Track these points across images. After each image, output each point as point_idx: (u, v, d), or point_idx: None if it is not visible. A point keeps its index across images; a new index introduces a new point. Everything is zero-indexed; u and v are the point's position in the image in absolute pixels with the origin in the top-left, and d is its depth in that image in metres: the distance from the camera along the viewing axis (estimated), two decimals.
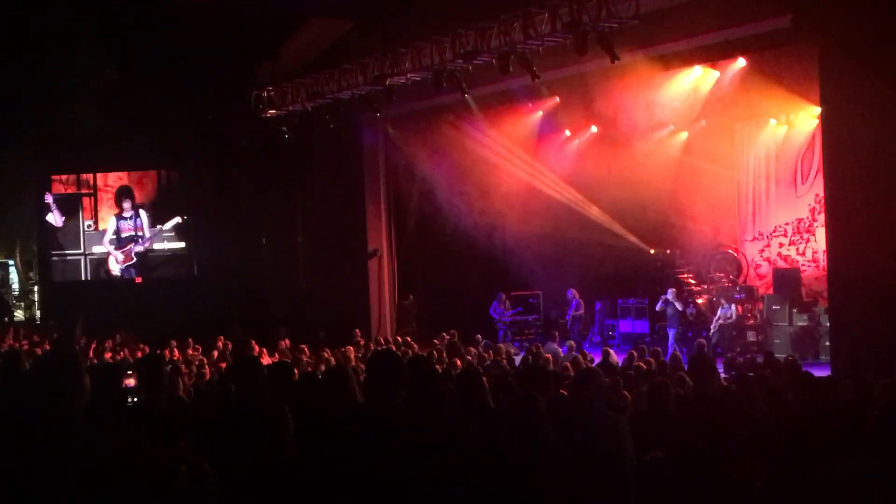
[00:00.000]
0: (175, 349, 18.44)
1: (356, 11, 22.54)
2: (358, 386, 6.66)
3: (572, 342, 18.66)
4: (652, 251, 24.19)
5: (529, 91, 21.71)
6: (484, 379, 7.43)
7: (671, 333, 21.23)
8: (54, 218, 27.50)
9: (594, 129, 24.13)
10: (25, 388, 4.61)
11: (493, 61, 17.91)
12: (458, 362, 15.13)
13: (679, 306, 21.25)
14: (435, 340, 19.62)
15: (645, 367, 13.76)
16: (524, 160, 24.68)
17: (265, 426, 6.08)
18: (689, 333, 21.69)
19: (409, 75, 19.67)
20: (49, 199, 27.48)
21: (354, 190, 25.55)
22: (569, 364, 14.00)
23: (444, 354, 16.98)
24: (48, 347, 19.34)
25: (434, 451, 5.32)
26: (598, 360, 15.95)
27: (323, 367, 14.69)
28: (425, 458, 5.24)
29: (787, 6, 14.76)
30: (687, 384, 10.32)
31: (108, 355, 18.53)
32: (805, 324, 19.92)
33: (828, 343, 17.72)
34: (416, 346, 18.86)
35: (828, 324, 17.78)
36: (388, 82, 19.93)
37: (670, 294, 21.34)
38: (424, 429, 5.45)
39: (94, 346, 20.14)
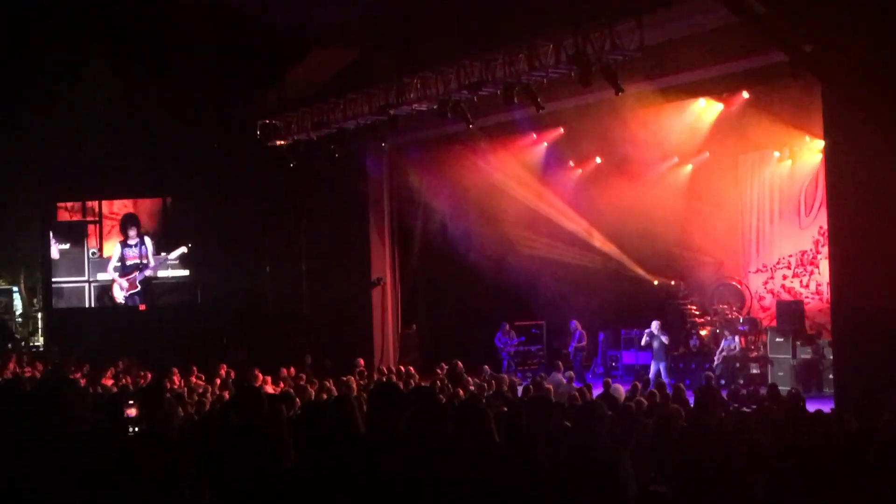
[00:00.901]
0: (177, 377, 18.41)
1: (362, 41, 22.66)
2: (360, 415, 6.65)
3: (571, 373, 18.61)
4: (655, 282, 24.17)
5: (534, 122, 21.80)
6: (485, 410, 7.42)
7: (660, 367, 21.18)
8: (55, 251, 27.59)
9: (598, 160, 24.19)
10: (25, 412, 4.62)
11: (498, 92, 18.00)
12: (461, 392, 15.10)
13: (665, 339, 21.24)
14: (437, 370, 19.58)
15: (648, 399, 13.73)
16: (528, 190, 24.72)
17: (265, 456, 6.08)
18: (692, 365, 21.67)
19: (414, 105, 19.75)
20: (51, 240, 27.56)
21: (359, 219, 25.59)
22: (571, 395, 13.97)
23: (447, 384, 16.95)
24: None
25: (434, 481, 5.31)
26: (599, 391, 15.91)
27: (325, 396, 14.67)
28: (426, 487, 5.24)
29: (787, 45, 14.81)
30: (689, 416, 10.29)
31: (109, 382, 18.47)
32: (809, 356, 19.86)
33: (831, 376, 17.67)
34: (417, 375, 18.81)
35: (831, 357, 17.74)
36: (393, 112, 20.01)
37: (654, 327, 21.32)
38: (425, 459, 5.45)
39: (85, 371, 20.15)
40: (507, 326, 24.67)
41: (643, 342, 21.99)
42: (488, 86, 18.05)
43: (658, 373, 20.88)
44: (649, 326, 21.45)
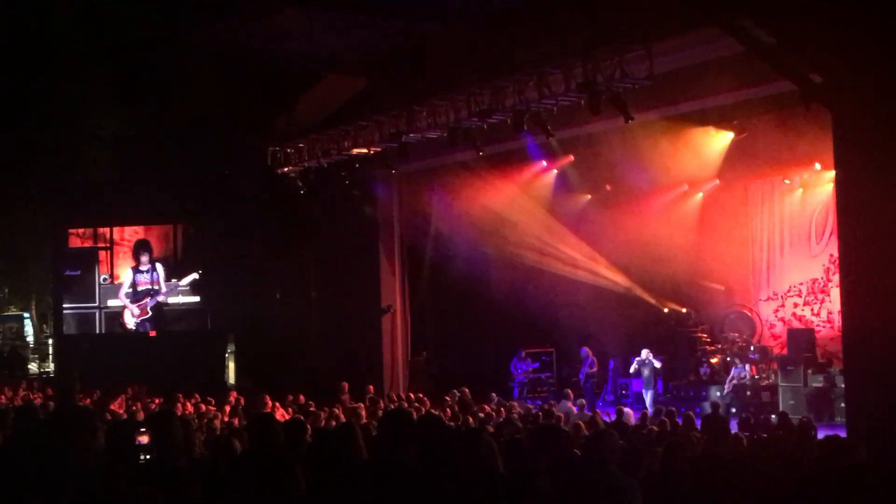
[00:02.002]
0: (186, 404, 18.40)
1: (371, 69, 22.76)
2: (365, 443, 6.63)
3: (583, 401, 18.59)
4: (666, 309, 24.11)
5: (544, 149, 21.85)
6: (490, 440, 7.38)
7: (649, 395, 21.24)
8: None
9: (608, 187, 24.19)
10: (40, 441, 4.63)
11: (508, 120, 18.05)
12: (471, 420, 15.07)
13: (657, 363, 21.29)
14: (446, 397, 19.56)
15: (658, 427, 13.68)
16: (538, 218, 24.74)
17: (276, 484, 6.07)
18: (702, 393, 21.62)
19: (424, 133, 19.82)
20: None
21: (368, 246, 25.63)
22: (581, 423, 13.92)
23: (456, 411, 16.91)
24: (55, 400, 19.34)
25: None
26: (609, 419, 15.85)
27: (333, 424, 14.64)
28: None
29: (796, 76, 14.82)
30: (699, 444, 10.27)
31: (117, 408, 18.46)
32: (820, 385, 19.77)
33: (843, 404, 17.58)
34: (428, 402, 18.78)
35: (843, 385, 17.65)
36: (403, 139, 20.08)
37: (644, 354, 21.37)
38: (432, 488, 5.44)
39: (95, 397, 20.15)
40: (523, 353, 24.66)
41: (632, 370, 22.04)
42: (498, 113, 18.11)
43: (654, 400, 20.91)
44: (639, 354, 21.57)
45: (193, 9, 20.41)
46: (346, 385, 20.94)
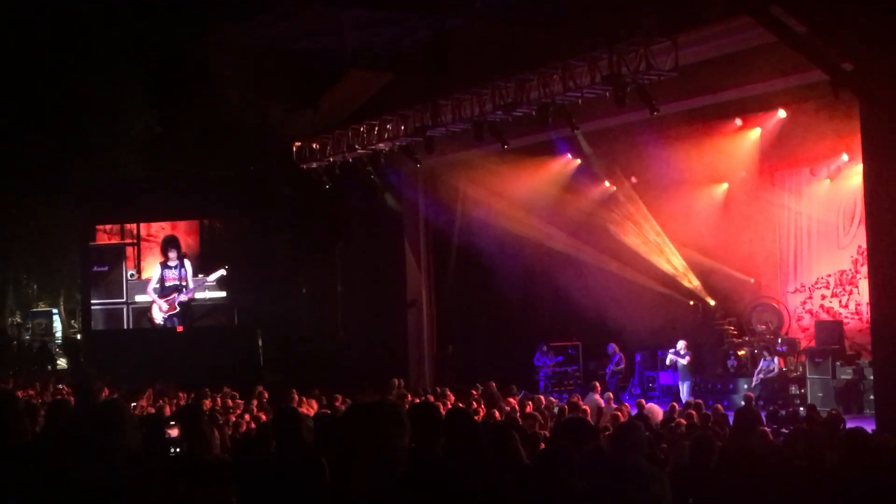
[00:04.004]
0: (214, 398, 18.49)
1: (396, 64, 22.80)
2: None
3: (610, 394, 18.56)
4: (692, 302, 24.01)
5: (568, 142, 21.80)
6: (515, 433, 7.39)
7: (686, 386, 21.21)
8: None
9: (634, 179, 24.09)
10: (71, 438, 4.67)
11: (533, 112, 18.02)
12: (497, 413, 15.07)
13: (686, 360, 21.32)
14: (472, 391, 19.56)
15: (686, 420, 13.64)
16: (562, 210, 24.66)
17: (304, 477, 6.09)
18: (730, 385, 21.54)
19: (449, 126, 19.83)
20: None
21: (394, 240, 25.67)
22: (609, 416, 13.91)
23: (482, 405, 16.92)
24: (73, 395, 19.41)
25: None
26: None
27: None
28: None
29: (827, 64, 14.73)
30: (728, 438, 10.24)
31: (145, 403, 18.58)
32: (849, 377, 19.63)
33: (872, 397, 17.46)
34: (453, 396, 18.79)
35: (872, 377, 17.53)
36: (428, 133, 20.09)
37: (679, 346, 21.42)
38: (461, 481, 5.44)
39: (122, 393, 20.26)
40: (546, 346, 24.65)
41: (668, 361, 22.03)
42: (523, 106, 18.10)
43: (688, 392, 20.87)
44: (672, 346, 21.61)
45: (220, 8, 20.52)
46: (397, 381, 20.99)
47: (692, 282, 23.64)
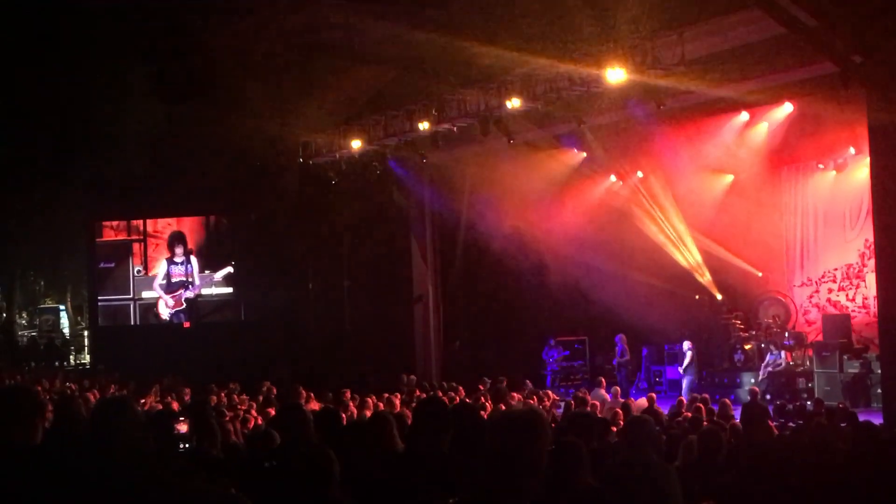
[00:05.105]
0: (220, 394, 18.48)
1: (402, 59, 22.75)
2: (399, 432, 6.64)
3: (617, 388, 18.54)
4: (697, 296, 23.98)
5: (575, 136, 21.78)
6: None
7: (688, 380, 21.22)
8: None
9: (640, 173, 24.06)
10: (83, 435, 4.67)
11: (539, 107, 17.99)
12: (504, 408, 15.06)
13: (689, 357, 21.36)
14: (480, 386, 19.56)
15: (693, 414, 13.61)
16: (568, 205, 24.63)
17: (310, 473, 6.08)
18: (736, 379, 21.52)
19: (454, 121, 19.81)
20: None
21: (400, 235, 25.67)
22: (617, 411, 13.89)
23: (489, 400, 16.90)
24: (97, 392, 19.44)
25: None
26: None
27: (367, 413, 14.65)
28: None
29: (837, 57, 14.69)
30: (735, 432, 10.21)
31: (152, 399, 18.58)
32: (856, 371, 19.59)
33: (879, 391, 17.43)
34: (462, 391, 18.78)
35: (879, 371, 17.50)
36: (434, 128, 20.07)
37: (688, 344, 21.51)
38: (467, 475, 5.43)
39: (129, 389, 20.29)
40: (553, 341, 24.65)
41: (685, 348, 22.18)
42: (528, 101, 18.06)
43: (692, 387, 20.85)
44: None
45: (228, 2, 20.51)
46: (406, 377, 20.99)
47: (704, 275, 23.61)
